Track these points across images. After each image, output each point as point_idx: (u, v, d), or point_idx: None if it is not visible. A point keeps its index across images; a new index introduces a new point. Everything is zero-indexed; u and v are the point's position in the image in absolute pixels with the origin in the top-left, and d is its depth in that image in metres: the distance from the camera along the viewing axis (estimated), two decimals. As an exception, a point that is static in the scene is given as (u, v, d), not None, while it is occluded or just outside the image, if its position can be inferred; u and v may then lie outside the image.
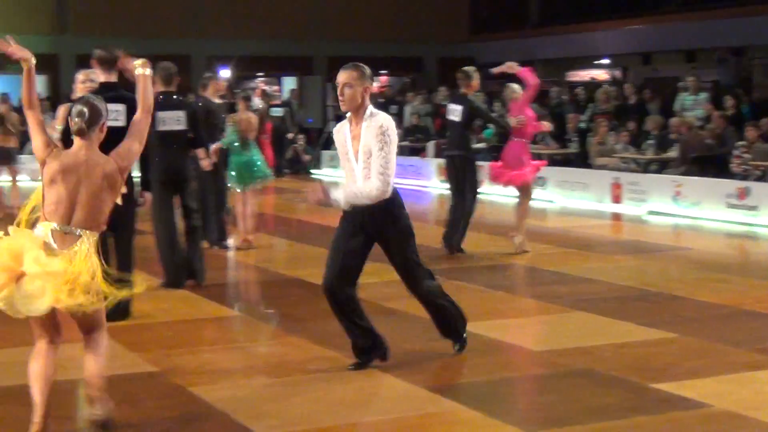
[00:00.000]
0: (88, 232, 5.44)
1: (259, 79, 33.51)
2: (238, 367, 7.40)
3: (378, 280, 10.71)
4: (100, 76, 8.88)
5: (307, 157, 27.22)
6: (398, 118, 26.54)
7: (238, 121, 12.89)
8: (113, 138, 8.69)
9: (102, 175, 5.49)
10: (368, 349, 7.22)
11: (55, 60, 29.15)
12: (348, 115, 6.93)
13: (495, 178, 13.00)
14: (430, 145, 23.75)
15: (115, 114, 8.53)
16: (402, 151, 24.71)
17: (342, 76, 6.82)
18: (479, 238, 13.40)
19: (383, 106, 27.92)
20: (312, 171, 26.67)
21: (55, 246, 5.32)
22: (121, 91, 8.77)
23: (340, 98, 6.83)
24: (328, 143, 27.80)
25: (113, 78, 8.78)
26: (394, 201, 6.97)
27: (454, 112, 12.66)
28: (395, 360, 7.50)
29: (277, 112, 26.43)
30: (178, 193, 10.37)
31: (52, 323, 5.55)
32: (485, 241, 13.50)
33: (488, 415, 6.18)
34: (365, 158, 6.77)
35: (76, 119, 5.45)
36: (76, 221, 5.42)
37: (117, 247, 8.72)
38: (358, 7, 32.27)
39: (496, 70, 12.83)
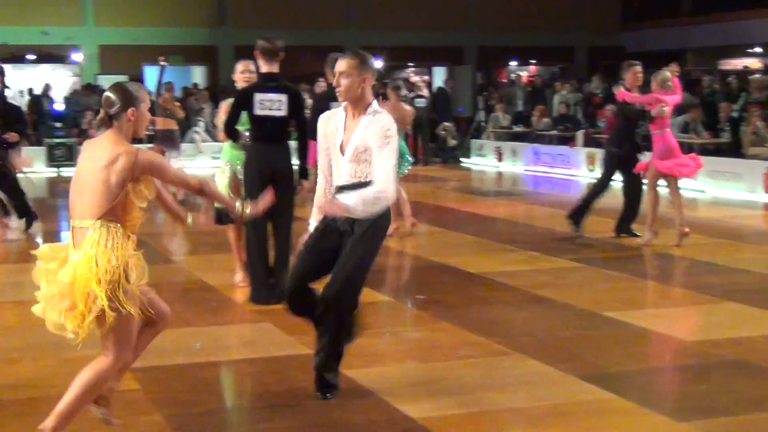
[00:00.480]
0: (95, 222, 5.04)
1: (410, 69, 33.60)
2: (390, 351, 7.48)
3: (530, 269, 10.71)
4: (262, 66, 8.94)
5: (453, 142, 27.21)
6: (547, 106, 26.33)
7: (390, 111, 12.98)
8: (276, 126, 8.82)
9: (107, 163, 5.04)
10: None
11: (214, 51, 29.81)
12: (344, 104, 6.20)
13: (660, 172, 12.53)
14: (579, 134, 23.46)
15: (277, 104, 8.69)
16: (550, 140, 24.55)
17: (340, 65, 6.08)
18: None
19: (531, 95, 27.85)
20: (461, 159, 26.63)
21: (74, 246, 5.07)
22: (283, 81, 8.89)
23: (336, 88, 6.10)
24: (478, 132, 27.78)
25: (275, 69, 8.83)
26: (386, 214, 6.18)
27: None
28: (547, 347, 7.49)
29: (420, 102, 26.43)
30: None
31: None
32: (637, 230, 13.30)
33: (640, 404, 6.11)
34: (355, 154, 6.01)
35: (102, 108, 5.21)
36: (78, 213, 5.12)
37: (276, 232, 8.91)
38: (509, -3, 32.12)
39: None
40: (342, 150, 6.07)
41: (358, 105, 6.10)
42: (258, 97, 8.73)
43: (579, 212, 12.68)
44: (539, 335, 7.90)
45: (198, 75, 30.81)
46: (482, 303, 9.16)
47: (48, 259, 5.14)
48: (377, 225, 6.08)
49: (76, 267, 4.97)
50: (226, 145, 9.55)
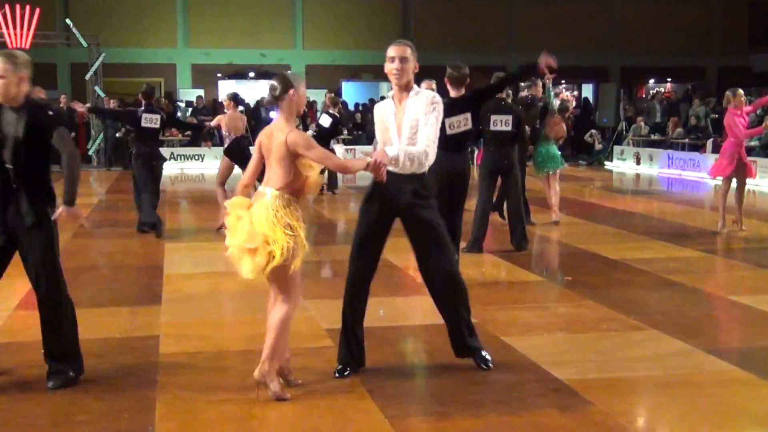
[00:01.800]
0: (274, 191, 5.30)
1: (562, 85, 33.17)
2: (541, 323, 7.39)
3: (663, 257, 10.44)
4: (451, 91, 8.61)
5: (599, 147, 26.75)
6: (680, 118, 25.64)
7: (550, 124, 13.03)
8: (458, 140, 8.42)
9: (279, 144, 5.33)
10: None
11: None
12: (391, 93, 5.84)
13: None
14: (709, 143, 22.75)
15: (463, 121, 8.38)
16: (683, 147, 23.84)
17: (396, 50, 5.70)
18: (749, 224, 12.72)
19: (668, 108, 27.09)
20: (605, 163, 26.11)
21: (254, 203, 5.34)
22: (468, 102, 8.47)
23: (395, 72, 5.64)
24: (619, 139, 27.19)
25: (462, 92, 8.54)
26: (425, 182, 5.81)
27: None
28: (677, 324, 7.27)
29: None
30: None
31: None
32: (756, 225, 12.80)
33: (759, 376, 5.87)
34: (411, 133, 5.66)
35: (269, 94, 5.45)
36: (265, 181, 5.41)
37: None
38: (647, 22, 31.38)
39: None
40: (399, 132, 5.70)
41: (407, 88, 5.74)
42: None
43: None
44: (671, 314, 7.68)
45: (385, 89, 31.13)
46: (621, 285, 8.96)
47: (237, 207, 5.36)
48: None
49: (258, 220, 5.22)
50: None
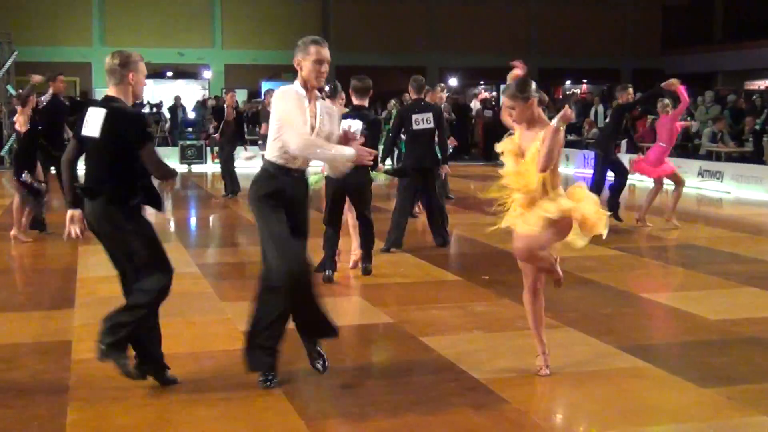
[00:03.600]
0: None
1: (481, 86, 33.50)
2: (458, 322, 7.44)
3: (578, 255, 10.58)
4: (354, 100, 9.02)
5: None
6: (595, 119, 26.07)
7: None
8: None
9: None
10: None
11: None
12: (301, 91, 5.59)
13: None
14: (624, 143, 23.20)
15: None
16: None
17: (325, 54, 5.58)
18: (660, 222, 13.01)
19: (583, 108, 27.55)
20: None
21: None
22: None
23: (322, 74, 5.57)
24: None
25: (365, 102, 9.01)
26: None
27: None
28: (590, 321, 7.40)
29: (488, 113, 26.36)
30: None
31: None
32: (666, 223, 13.09)
33: (669, 372, 6.01)
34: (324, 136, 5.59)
35: None
36: None
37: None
38: (564, 24, 31.84)
39: (663, 85, 12.43)
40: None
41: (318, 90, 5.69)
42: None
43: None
44: (584, 311, 7.81)
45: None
46: (537, 284, 9.05)
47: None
48: None
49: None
50: None
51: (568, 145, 25.56)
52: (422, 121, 10.88)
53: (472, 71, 31.56)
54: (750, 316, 7.67)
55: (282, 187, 5.53)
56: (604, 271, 9.61)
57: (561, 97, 32.63)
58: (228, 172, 16.92)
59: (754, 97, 24.00)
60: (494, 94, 33.02)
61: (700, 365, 6.16)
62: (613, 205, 12.85)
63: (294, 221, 5.56)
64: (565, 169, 24.06)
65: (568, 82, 33.67)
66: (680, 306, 8.11)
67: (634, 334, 7.11)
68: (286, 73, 30.15)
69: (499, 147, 5.87)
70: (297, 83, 5.63)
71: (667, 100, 12.93)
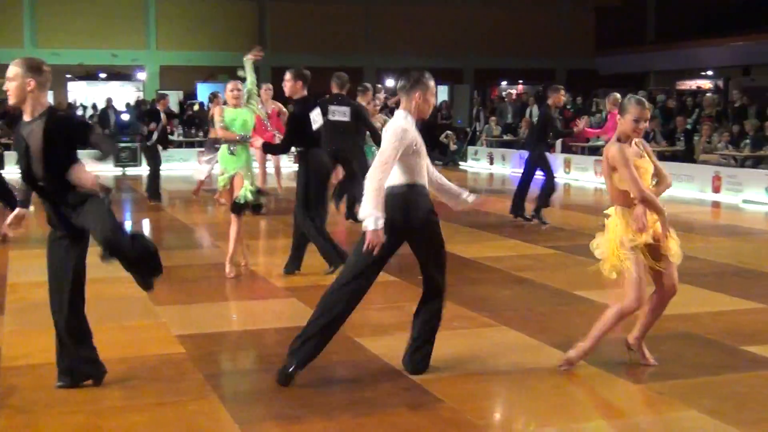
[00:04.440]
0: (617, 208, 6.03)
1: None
2: (394, 322, 7.44)
3: (514, 254, 10.69)
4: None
5: (454, 147, 27.26)
6: (531, 119, 26.34)
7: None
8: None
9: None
10: None
11: (255, 71, 29.80)
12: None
13: None
14: (558, 143, 23.42)
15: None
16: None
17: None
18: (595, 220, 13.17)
19: (520, 109, 27.81)
20: (460, 163, 26.60)
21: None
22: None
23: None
24: (473, 140, 27.73)
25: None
26: None
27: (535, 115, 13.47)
28: (526, 320, 7.46)
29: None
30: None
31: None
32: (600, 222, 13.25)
33: (602, 369, 6.08)
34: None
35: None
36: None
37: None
38: (500, 26, 32.09)
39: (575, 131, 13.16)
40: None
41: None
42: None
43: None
44: (520, 310, 7.88)
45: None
46: (473, 283, 9.14)
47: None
48: None
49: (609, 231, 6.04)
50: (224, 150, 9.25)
51: (504, 145, 25.83)
52: (338, 113, 11.16)
53: (408, 72, 31.69)
54: (681, 312, 7.77)
55: None
56: (540, 270, 9.70)
57: (497, 97, 32.90)
58: (158, 177, 16.73)
59: (685, 97, 24.43)
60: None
61: (632, 361, 6.24)
62: (539, 205, 13.06)
63: None
64: (501, 169, 24.28)
65: (504, 83, 33.94)
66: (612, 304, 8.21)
67: (569, 331, 7.17)
68: (222, 74, 29.95)
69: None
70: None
71: (617, 94, 13.14)
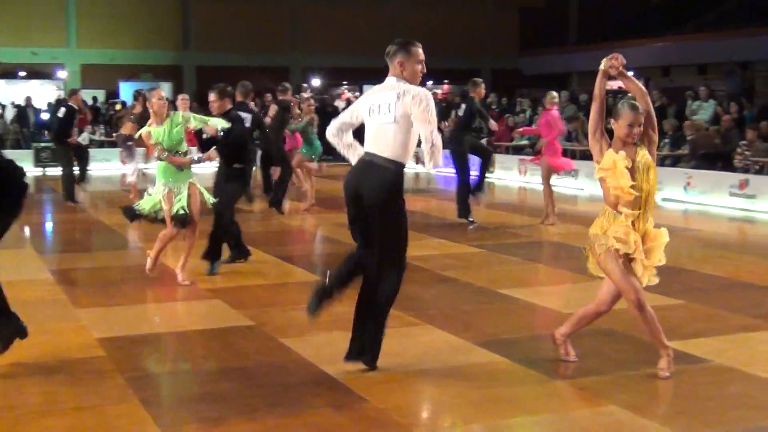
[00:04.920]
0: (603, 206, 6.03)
1: (344, 87, 33.62)
2: (319, 322, 7.35)
3: (439, 253, 10.75)
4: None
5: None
6: (457, 119, 26.51)
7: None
8: None
9: None
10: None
11: (179, 70, 29.49)
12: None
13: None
14: (483, 141, 23.63)
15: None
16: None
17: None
18: (520, 219, 13.32)
19: (446, 108, 28.00)
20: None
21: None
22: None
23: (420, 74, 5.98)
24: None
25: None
26: None
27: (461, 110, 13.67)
28: (450, 318, 7.51)
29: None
30: None
31: None
32: (524, 221, 13.43)
33: (525, 365, 6.15)
34: None
35: None
36: None
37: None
38: (425, 25, 32.21)
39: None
40: None
41: None
42: None
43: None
44: (445, 309, 7.93)
45: (165, 90, 30.38)
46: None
47: None
48: None
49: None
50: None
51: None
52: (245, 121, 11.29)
53: (336, 71, 31.65)
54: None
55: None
56: (464, 269, 9.77)
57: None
58: (72, 177, 16.46)
59: (608, 97, 24.82)
60: (357, 94, 33.22)
61: (553, 358, 6.32)
62: (460, 207, 13.17)
63: None
64: (422, 167, 24.35)
65: (429, 82, 34.08)
66: (536, 301, 8.32)
67: (492, 329, 7.25)
68: (145, 73, 29.59)
69: (620, 162, 5.78)
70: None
71: (554, 93, 13.31)
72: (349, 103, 30.61)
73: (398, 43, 5.96)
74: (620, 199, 5.79)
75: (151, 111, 8.64)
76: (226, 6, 30.27)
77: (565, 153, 20.54)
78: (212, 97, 9.22)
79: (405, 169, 5.84)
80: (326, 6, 31.35)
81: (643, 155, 5.80)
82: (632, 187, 5.71)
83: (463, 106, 13.33)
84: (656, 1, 33.88)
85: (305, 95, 16.51)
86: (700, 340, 6.86)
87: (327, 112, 27.15)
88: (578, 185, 19.16)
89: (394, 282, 5.92)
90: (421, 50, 5.94)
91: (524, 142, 22.08)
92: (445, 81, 33.76)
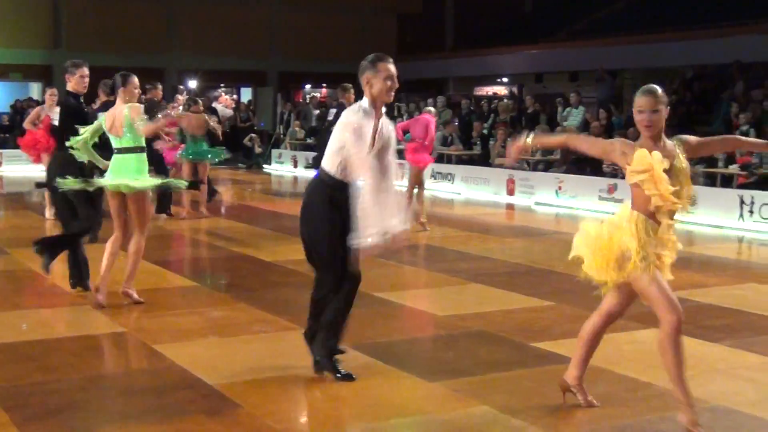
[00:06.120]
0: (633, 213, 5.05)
1: (221, 88, 33.32)
2: (194, 328, 7.34)
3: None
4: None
5: (259, 150, 27.18)
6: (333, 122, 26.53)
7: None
8: None
9: None
10: None
11: (50, 71, 28.64)
12: (368, 108, 5.72)
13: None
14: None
15: None
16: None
17: (393, 68, 5.78)
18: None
19: (324, 112, 28.01)
20: (264, 166, 26.54)
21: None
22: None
23: (392, 91, 5.72)
24: (278, 143, 27.71)
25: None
26: None
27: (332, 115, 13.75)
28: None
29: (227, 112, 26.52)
30: None
31: None
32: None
33: (399, 368, 6.20)
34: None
35: None
36: None
37: None
38: (305, 29, 32.16)
39: None
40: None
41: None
42: None
43: None
44: (321, 313, 7.91)
45: (35, 91, 29.54)
46: (275, 286, 9.14)
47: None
48: None
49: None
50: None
51: (308, 148, 25.93)
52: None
53: (212, 74, 31.30)
54: (476, 311, 8.07)
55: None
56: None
57: (301, 100, 33.02)
58: None
59: (482, 102, 25.27)
60: (235, 96, 32.98)
61: (428, 360, 6.41)
62: None
63: None
64: (305, 172, 24.33)
65: (307, 86, 34.08)
66: (412, 304, 8.42)
67: (368, 332, 7.29)
68: (14, 72, 28.64)
69: (657, 164, 4.88)
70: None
71: (433, 108, 13.73)
72: (226, 106, 30.39)
73: (363, 62, 5.78)
74: (660, 208, 4.94)
75: None
76: (99, 5, 29.55)
77: (441, 157, 20.87)
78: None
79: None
80: (204, 7, 30.95)
81: (681, 160, 5.02)
82: (674, 193, 4.91)
83: (333, 111, 13.40)
84: (529, 9, 34.68)
85: (181, 98, 16.24)
86: (568, 340, 6.99)
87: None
88: (455, 189, 19.44)
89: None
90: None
91: (401, 146, 22.25)
92: (324, 85, 33.78)
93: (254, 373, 6.05)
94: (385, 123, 5.79)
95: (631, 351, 6.81)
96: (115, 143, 7.75)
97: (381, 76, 5.64)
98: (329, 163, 5.71)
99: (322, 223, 5.78)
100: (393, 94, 5.71)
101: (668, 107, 5.00)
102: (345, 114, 5.72)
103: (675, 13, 24.93)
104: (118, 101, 7.85)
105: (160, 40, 30.64)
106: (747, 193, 14.23)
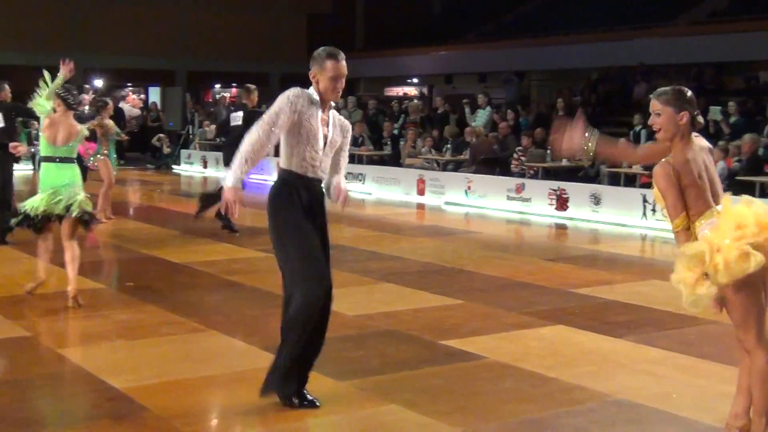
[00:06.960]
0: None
1: (128, 88, 32.81)
2: (99, 331, 7.21)
3: (226, 258, 10.68)
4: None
5: (167, 151, 26.85)
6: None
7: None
8: None
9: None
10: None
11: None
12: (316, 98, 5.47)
13: None
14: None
15: None
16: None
17: (343, 67, 5.52)
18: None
19: (233, 112, 27.78)
20: (173, 166, 26.23)
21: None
22: None
23: (338, 90, 5.48)
24: (187, 143, 27.41)
25: None
26: None
27: (236, 118, 13.56)
28: (235, 324, 7.49)
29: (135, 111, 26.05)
30: None
31: None
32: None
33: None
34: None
35: None
36: None
37: None
38: (214, 28, 31.89)
39: None
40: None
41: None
42: None
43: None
44: (230, 314, 7.88)
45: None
46: (184, 288, 9.05)
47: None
48: None
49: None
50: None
51: (218, 148, 25.62)
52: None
53: (120, 72, 30.81)
54: (385, 310, 8.12)
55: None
56: (251, 273, 9.75)
57: (211, 100, 32.72)
58: None
59: (392, 103, 25.41)
60: (143, 96, 32.48)
61: (337, 360, 6.42)
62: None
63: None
64: (215, 172, 24.11)
65: (217, 86, 33.82)
66: (321, 304, 8.40)
67: (278, 334, 7.24)
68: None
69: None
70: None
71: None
72: (134, 106, 29.92)
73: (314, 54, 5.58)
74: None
75: None
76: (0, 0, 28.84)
77: (352, 158, 20.88)
78: None
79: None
80: (110, 4, 30.44)
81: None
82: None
83: (240, 113, 13.21)
84: (438, 10, 34.98)
85: (87, 97, 15.92)
86: (477, 338, 7.13)
87: (118, 115, 26.43)
88: (366, 189, 19.49)
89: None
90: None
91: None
92: (233, 84, 33.55)
93: (162, 376, 5.99)
94: (336, 117, 5.64)
95: (537, 347, 6.93)
96: None
97: (326, 75, 5.47)
98: (284, 160, 5.50)
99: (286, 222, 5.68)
100: (339, 94, 5.52)
101: (681, 110, 4.57)
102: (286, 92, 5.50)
103: (581, 17, 25.44)
104: None
105: (65, 38, 30.01)
106: (650, 192, 14.61)
